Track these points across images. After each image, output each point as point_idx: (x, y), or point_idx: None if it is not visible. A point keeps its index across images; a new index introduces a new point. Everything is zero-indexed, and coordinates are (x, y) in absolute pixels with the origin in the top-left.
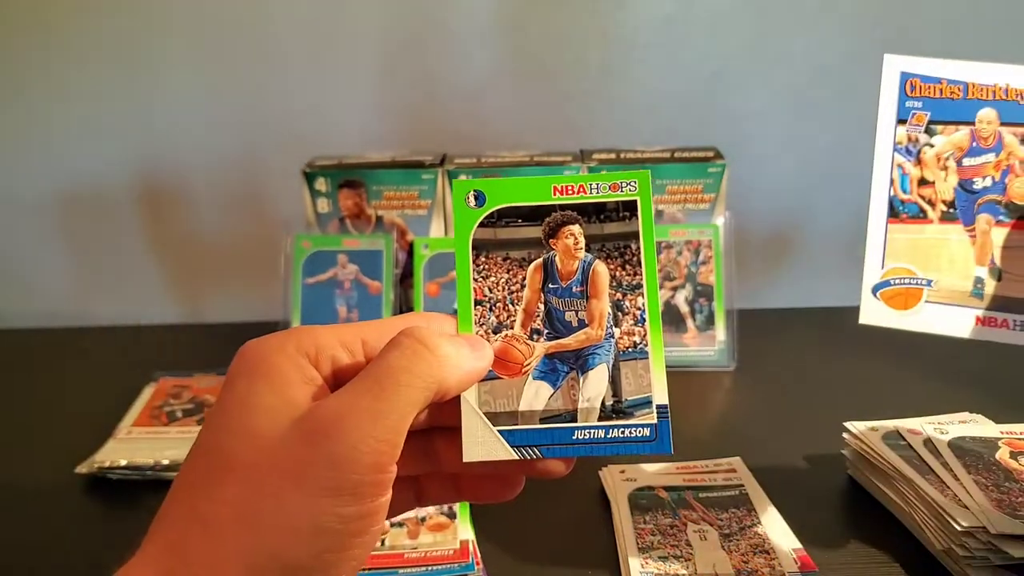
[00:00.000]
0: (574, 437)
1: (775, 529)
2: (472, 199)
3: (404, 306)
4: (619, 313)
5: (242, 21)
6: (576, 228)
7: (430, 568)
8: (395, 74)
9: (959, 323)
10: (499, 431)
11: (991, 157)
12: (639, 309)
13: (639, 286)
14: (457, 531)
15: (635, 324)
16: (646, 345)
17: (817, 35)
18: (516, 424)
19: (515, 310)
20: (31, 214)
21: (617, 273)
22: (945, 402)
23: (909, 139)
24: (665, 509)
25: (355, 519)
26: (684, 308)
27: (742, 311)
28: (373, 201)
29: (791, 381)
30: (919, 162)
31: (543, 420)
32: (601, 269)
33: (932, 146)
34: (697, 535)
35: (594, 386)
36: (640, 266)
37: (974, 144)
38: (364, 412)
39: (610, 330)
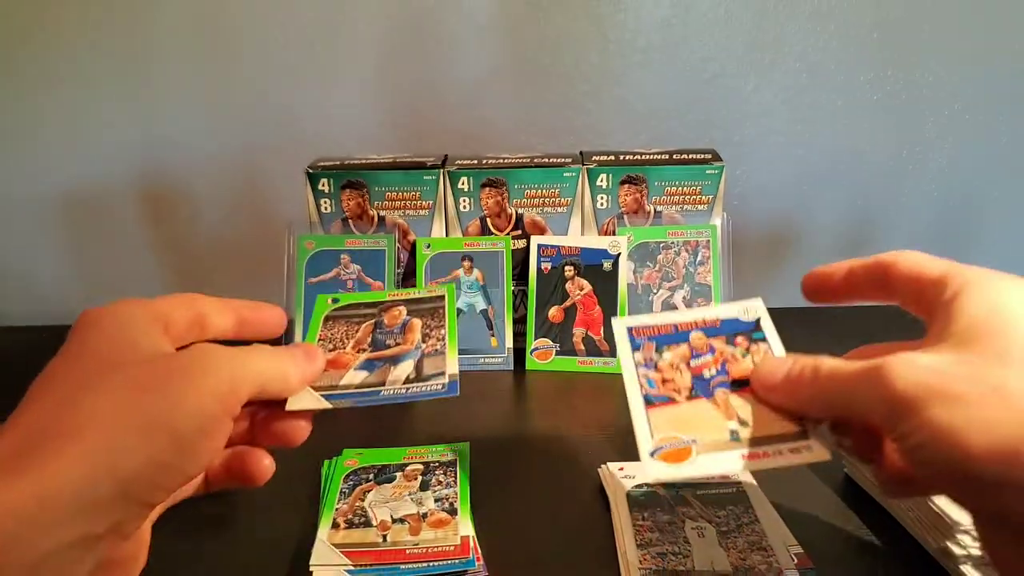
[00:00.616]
0: (381, 394)
1: (772, 526)
2: (331, 300)
3: None
4: (426, 337)
5: (243, 21)
6: (401, 308)
7: (431, 564)
8: (396, 75)
9: (729, 463)
10: (320, 394)
11: (709, 358)
12: (443, 335)
13: (443, 324)
14: (458, 527)
15: (438, 341)
16: (444, 350)
17: (814, 37)
18: (335, 391)
19: (348, 344)
20: (31, 213)
21: (427, 323)
22: None
23: (645, 359)
24: (663, 506)
25: (213, 419)
26: (682, 308)
27: None
28: (375, 202)
29: None
30: (658, 369)
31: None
32: (415, 322)
33: (664, 358)
34: (695, 532)
35: (402, 371)
36: (444, 319)
37: (694, 353)
38: (226, 357)
39: (419, 344)
